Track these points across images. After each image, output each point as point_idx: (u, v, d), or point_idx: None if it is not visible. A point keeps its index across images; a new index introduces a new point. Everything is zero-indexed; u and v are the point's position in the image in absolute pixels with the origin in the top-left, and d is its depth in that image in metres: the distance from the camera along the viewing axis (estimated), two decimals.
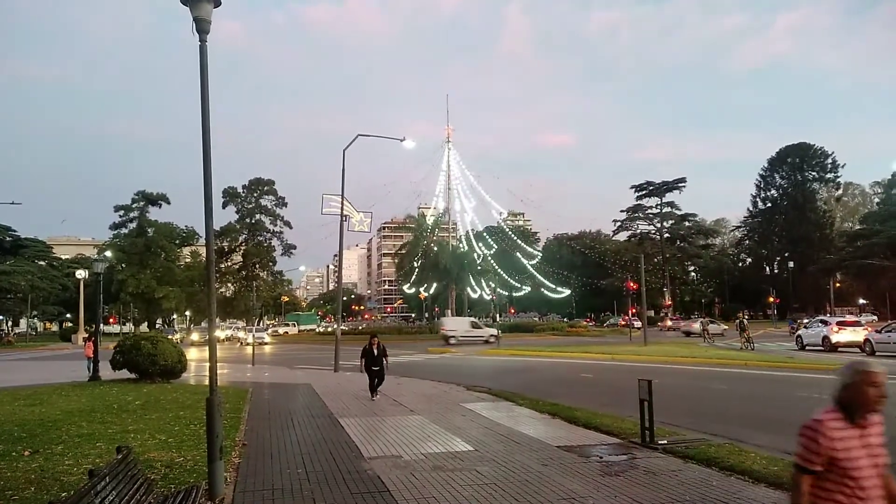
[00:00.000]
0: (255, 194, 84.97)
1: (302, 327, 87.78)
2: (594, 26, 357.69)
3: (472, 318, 56.68)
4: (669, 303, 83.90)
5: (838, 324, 30.66)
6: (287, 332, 76.53)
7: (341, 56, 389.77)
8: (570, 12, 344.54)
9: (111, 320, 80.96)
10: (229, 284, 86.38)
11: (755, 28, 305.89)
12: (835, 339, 29.18)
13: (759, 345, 33.31)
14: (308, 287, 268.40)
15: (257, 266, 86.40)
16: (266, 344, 51.67)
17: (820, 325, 32.06)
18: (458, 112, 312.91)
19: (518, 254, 79.63)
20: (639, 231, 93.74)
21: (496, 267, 74.11)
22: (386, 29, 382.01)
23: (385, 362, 15.62)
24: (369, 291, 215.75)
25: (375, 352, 15.38)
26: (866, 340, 27.45)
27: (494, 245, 78.84)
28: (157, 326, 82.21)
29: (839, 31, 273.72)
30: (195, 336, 57.48)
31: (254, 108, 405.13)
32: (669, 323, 69.25)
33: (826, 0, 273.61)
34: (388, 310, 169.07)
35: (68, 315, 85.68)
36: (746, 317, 41.20)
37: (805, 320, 43.26)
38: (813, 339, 31.04)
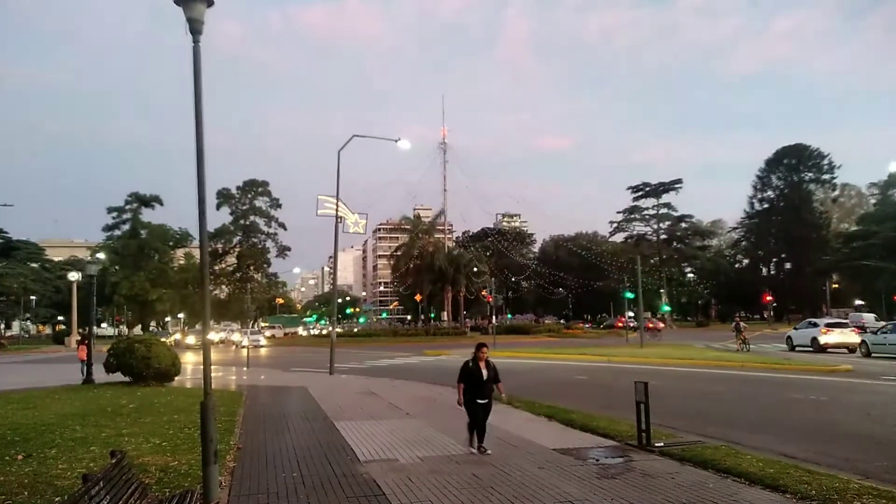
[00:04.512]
0: (250, 196, 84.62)
1: (286, 330, 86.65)
2: (591, 30, 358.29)
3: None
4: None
5: (827, 325, 31.14)
6: (274, 336, 75.82)
7: (338, 58, 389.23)
8: (568, 16, 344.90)
9: (104, 323, 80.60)
10: (223, 286, 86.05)
11: (752, 32, 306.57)
12: (823, 340, 29.54)
13: (755, 346, 33.43)
14: (303, 289, 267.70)
15: (251, 268, 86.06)
16: (262, 347, 51.38)
17: (809, 326, 32.46)
18: (456, 114, 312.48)
19: (514, 255, 79.68)
20: (635, 232, 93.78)
21: (492, 268, 74.13)
22: (384, 32, 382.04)
23: (498, 391, 9.53)
24: (364, 293, 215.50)
25: (485, 373, 9.17)
26: (862, 342, 27.58)
27: (490, 247, 78.90)
28: (151, 329, 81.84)
29: (835, 34, 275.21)
30: (190, 339, 57.02)
31: (248, 110, 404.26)
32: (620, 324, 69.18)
33: (822, 4, 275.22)
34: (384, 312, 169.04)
35: (61, 318, 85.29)
36: (742, 319, 41.36)
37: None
38: (802, 340, 31.37)
